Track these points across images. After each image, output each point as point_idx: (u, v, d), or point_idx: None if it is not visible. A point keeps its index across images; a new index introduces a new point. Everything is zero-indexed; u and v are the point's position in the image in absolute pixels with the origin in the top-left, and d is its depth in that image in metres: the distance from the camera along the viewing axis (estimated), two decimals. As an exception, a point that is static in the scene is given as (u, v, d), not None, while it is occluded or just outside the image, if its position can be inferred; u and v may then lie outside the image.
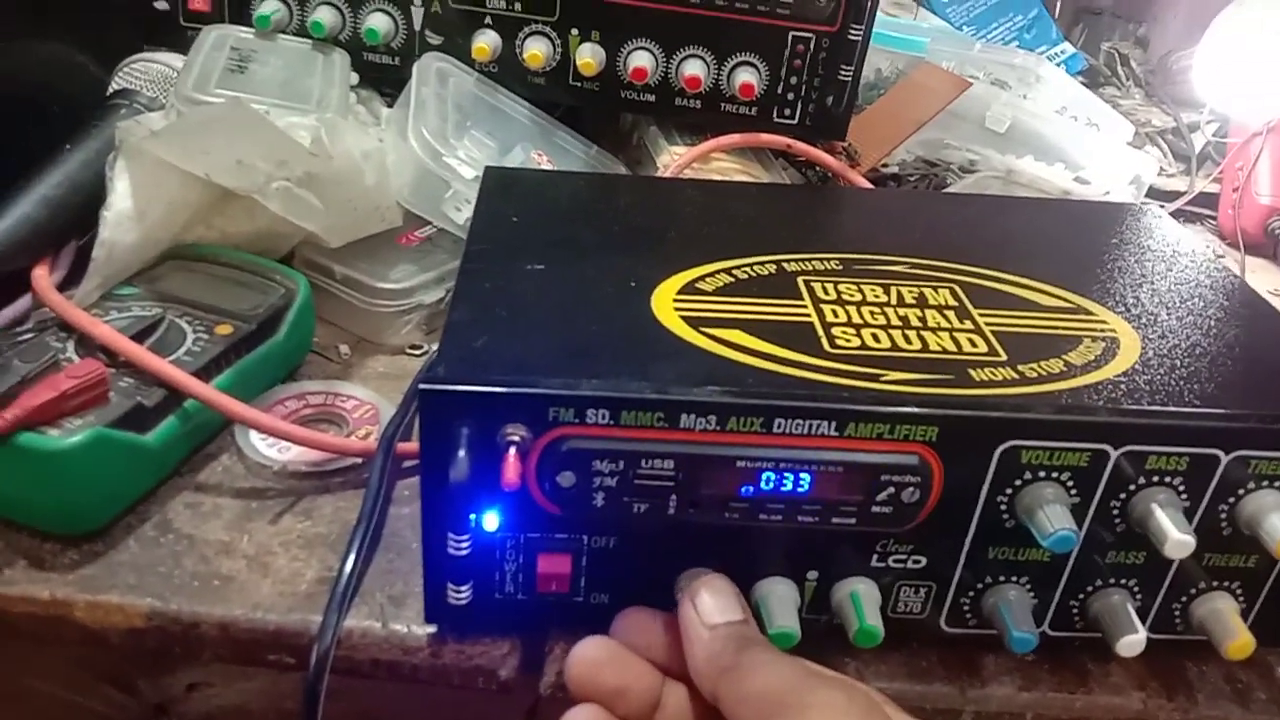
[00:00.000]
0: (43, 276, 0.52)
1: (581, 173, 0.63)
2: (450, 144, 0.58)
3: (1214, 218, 0.85)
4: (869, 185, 0.67)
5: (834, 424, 0.36)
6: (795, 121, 0.67)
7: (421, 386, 0.35)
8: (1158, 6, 1.15)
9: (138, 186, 0.51)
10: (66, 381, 0.43)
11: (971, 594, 0.40)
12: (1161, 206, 0.83)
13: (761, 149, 0.68)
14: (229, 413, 0.47)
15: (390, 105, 0.63)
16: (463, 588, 0.37)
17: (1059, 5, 1.13)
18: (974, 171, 0.76)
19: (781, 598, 0.38)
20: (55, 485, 0.42)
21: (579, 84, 0.66)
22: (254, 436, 0.49)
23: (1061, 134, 0.75)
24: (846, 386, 0.37)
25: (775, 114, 0.66)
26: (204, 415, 0.48)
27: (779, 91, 0.66)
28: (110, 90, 0.61)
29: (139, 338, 0.48)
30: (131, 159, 0.51)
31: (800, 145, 0.66)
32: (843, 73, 0.64)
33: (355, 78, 0.63)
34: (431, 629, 0.41)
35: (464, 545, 0.35)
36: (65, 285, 0.53)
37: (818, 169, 0.71)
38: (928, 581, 0.40)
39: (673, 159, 0.66)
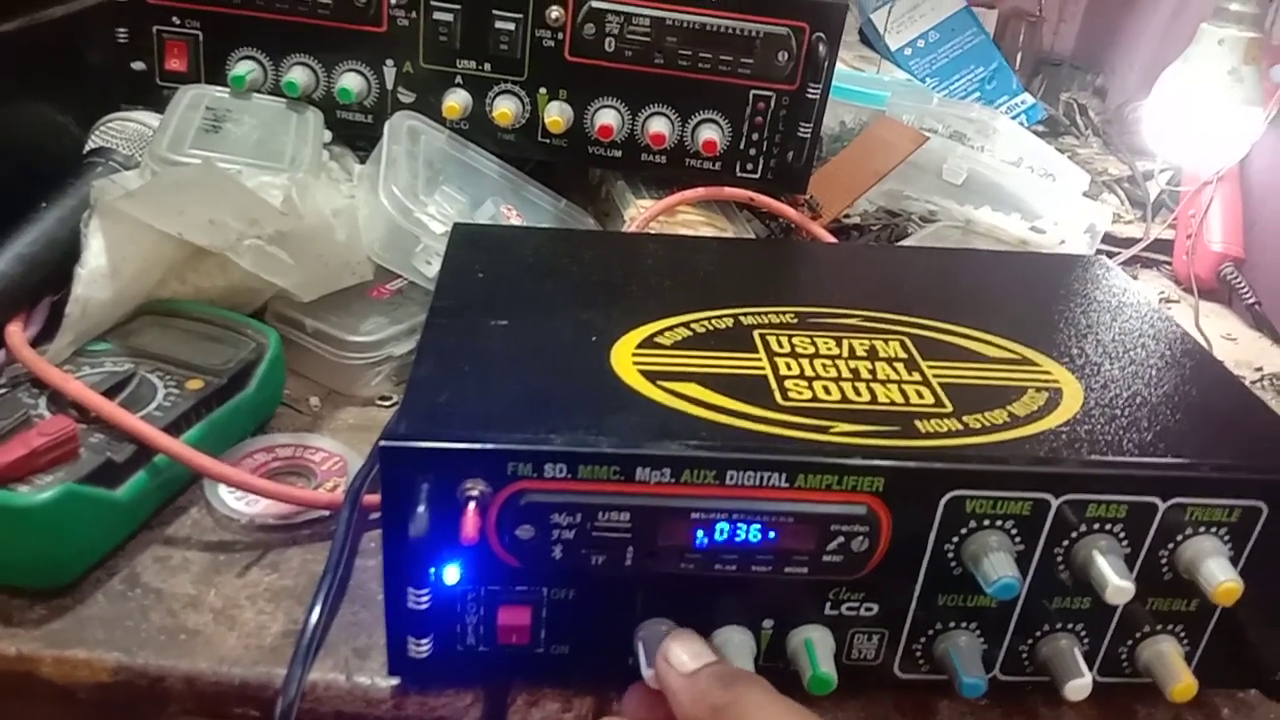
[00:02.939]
0: (16, 333, 0.52)
1: (547, 229, 0.65)
2: (420, 200, 0.60)
3: (1169, 263, 0.88)
4: (830, 236, 0.69)
5: (784, 475, 0.37)
6: (758, 175, 0.68)
7: (382, 443, 0.36)
8: (1115, 58, 1.18)
9: (112, 244, 0.52)
10: (37, 439, 0.44)
11: (923, 640, 0.41)
12: (1114, 255, 0.85)
13: (726, 201, 0.70)
14: (198, 467, 0.47)
15: (363, 161, 0.65)
16: (423, 640, 0.37)
17: (1019, 57, 1.17)
18: (934, 221, 0.78)
19: (739, 646, 0.39)
20: (25, 540, 0.43)
21: (548, 140, 0.67)
22: (223, 490, 0.50)
23: (1018, 184, 0.78)
24: (797, 439, 0.38)
25: (738, 168, 0.68)
26: (174, 469, 0.48)
27: (741, 147, 0.68)
28: (87, 148, 0.62)
29: (111, 393, 0.49)
30: (106, 218, 0.52)
31: (761, 198, 0.68)
32: (802, 129, 0.67)
33: (328, 135, 0.65)
34: (395, 681, 0.41)
35: (424, 599, 0.36)
36: (39, 340, 0.54)
37: (781, 220, 0.73)
38: (880, 628, 0.41)
39: (639, 211, 0.67)
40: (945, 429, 0.40)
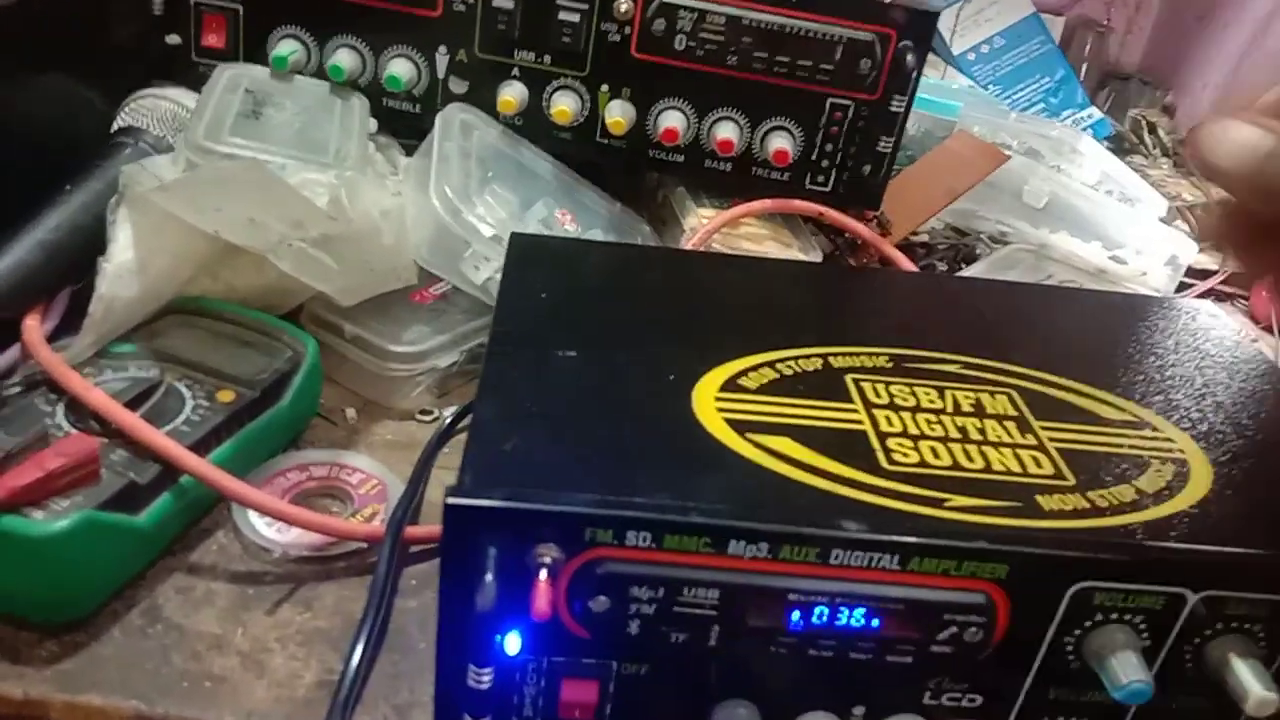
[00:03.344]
0: (34, 328, 0.48)
1: (611, 243, 0.61)
2: (471, 201, 0.56)
3: (1245, 298, 0.83)
4: (908, 261, 0.65)
5: (897, 557, 0.33)
6: (829, 189, 0.64)
7: (449, 501, 0.32)
8: (1186, 75, 1.13)
9: (141, 238, 0.48)
10: (54, 460, 0.40)
11: (1026, 734, 0.37)
12: (1188, 287, 0.81)
13: (791, 214, 0.66)
14: (229, 493, 0.43)
15: (408, 154, 0.60)
16: (482, 721, 0.33)
17: (1084, 68, 1.11)
18: (1005, 243, 0.74)
19: (825, 736, 0.35)
20: (39, 572, 0.39)
21: (606, 141, 0.63)
22: (253, 515, 0.46)
23: (1098, 210, 0.73)
24: (909, 514, 0.34)
25: (808, 180, 0.64)
26: (200, 490, 0.44)
27: (813, 158, 0.63)
28: (115, 127, 0.57)
29: (135, 403, 0.45)
30: (135, 209, 0.48)
31: (832, 213, 0.64)
32: (882, 143, 0.62)
33: (374, 125, 0.60)
34: (440, 749, 0.37)
35: (487, 679, 0.32)
36: (58, 334, 0.50)
37: (846, 236, 0.69)
38: (982, 721, 0.37)
39: (700, 222, 0.63)
40: (1070, 507, 0.36)
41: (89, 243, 0.50)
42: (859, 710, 0.36)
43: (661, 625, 0.33)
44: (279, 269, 0.50)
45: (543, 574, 0.32)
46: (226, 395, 0.48)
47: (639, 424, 0.37)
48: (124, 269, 0.48)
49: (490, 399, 0.37)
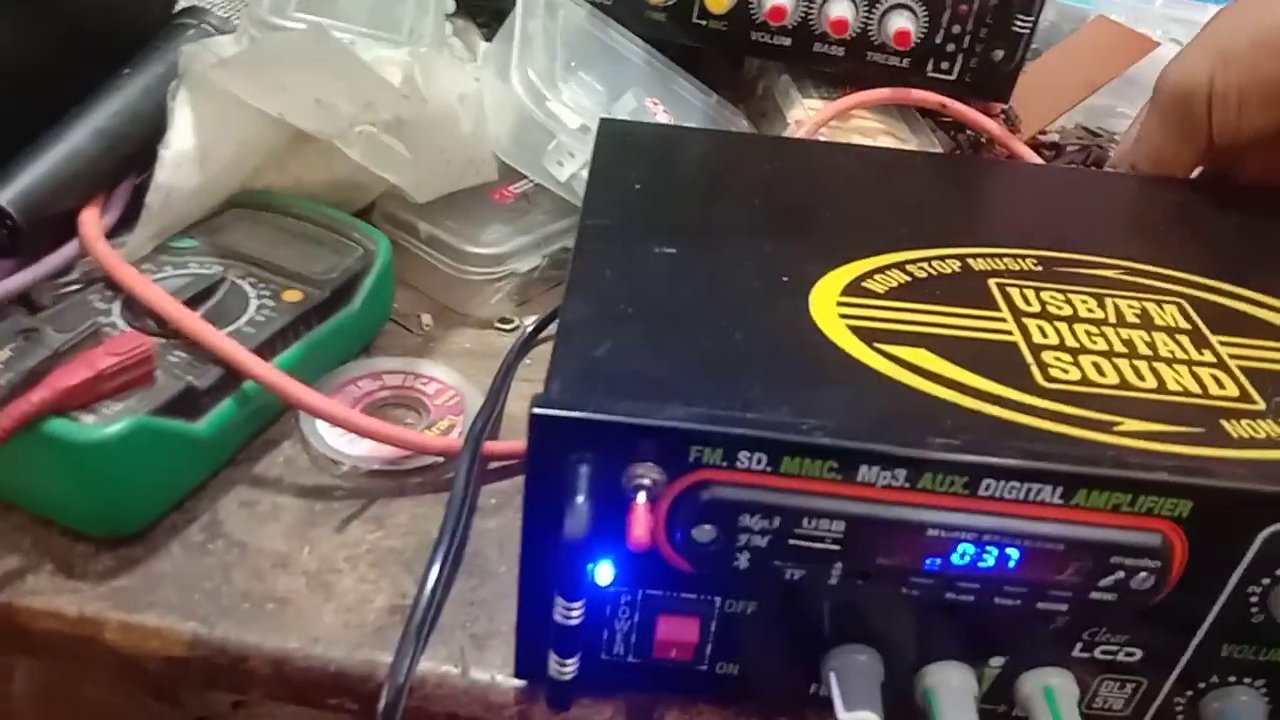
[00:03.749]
0: (92, 221, 0.45)
1: (711, 130, 0.55)
2: (556, 88, 0.50)
3: None
4: (1037, 158, 0.58)
5: (1060, 489, 0.28)
6: (953, 77, 0.57)
7: (535, 411, 0.27)
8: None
9: (202, 123, 0.44)
10: (105, 359, 0.36)
11: (1189, 694, 0.32)
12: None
13: (908, 107, 0.59)
14: (296, 401, 0.40)
15: (488, 38, 0.55)
16: (569, 660, 0.30)
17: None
18: (1144, 143, 0.65)
19: (956, 690, 0.31)
20: (90, 481, 0.36)
21: (704, 22, 0.57)
22: (321, 425, 0.43)
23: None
24: (1074, 439, 0.29)
25: (930, 67, 0.57)
26: (266, 398, 0.41)
27: (937, 41, 0.56)
28: (178, 6, 0.53)
29: (195, 301, 0.42)
30: (196, 90, 0.44)
31: (957, 105, 0.57)
32: (1019, 23, 0.55)
33: (451, 4, 0.55)
34: (521, 683, 0.34)
35: (576, 613, 0.28)
36: (118, 230, 0.47)
37: (969, 133, 0.62)
38: (1139, 677, 0.32)
39: (806, 114, 0.57)
40: (1262, 434, 0.30)
41: (150, 130, 0.46)
42: (996, 661, 0.31)
43: (775, 560, 0.29)
44: (349, 161, 0.46)
45: (641, 497, 0.28)
46: (293, 295, 0.44)
47: (749, 330, 0.32)
48: (184, 157, 0.44)
49: (580, 299, 0.33)
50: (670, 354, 0.31)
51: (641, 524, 0.27)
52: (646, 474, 0.28)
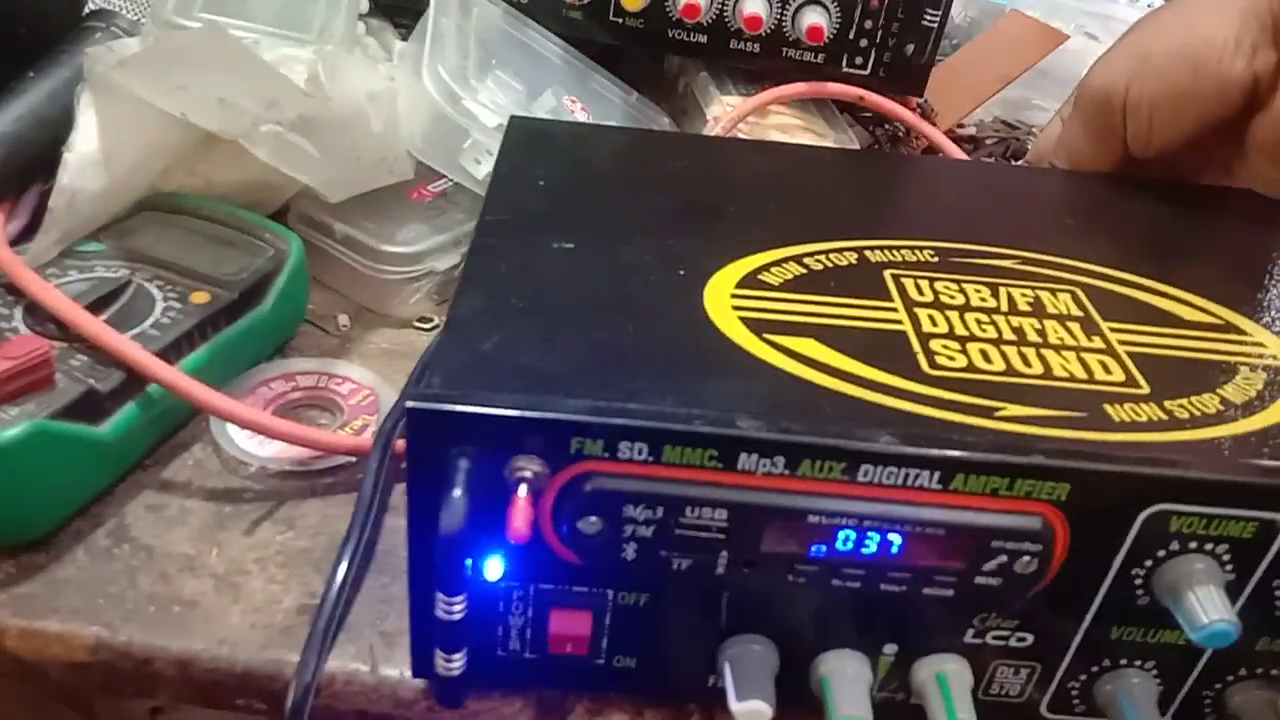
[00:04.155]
0: (-5, 227, 0.44)
1: (623, 128, 0.55)
2: (471, 86, 0.50)
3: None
4: (959, 151, 0.58)
5: (938, 474, 0.28)
6: (867, 72, 0.57)
7: (410, 404, 0.27)
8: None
9: (106, 125, 0.44)
10: (1, 363, 0.36)
11: (1083, 677, 0.33)
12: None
13: (825, 101, 0.60)
14: (199, 402, 0.39)
15: (404, 38, 0.55)
16: (455, 656, 0.29)
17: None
18: (1065, 136, 0.66)
19: (851, 678, 0.31)
20: (-14, 486, 0.35)
21: (620, 20, 0.57)
22: (231, 427, 0.42)
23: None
24: (954, 424, 0.29)
25: (844, 62, 0.57)
26: (172, 401, 0.40)
27: (850, 36, 0.56)
28: (87, 9, 0.53)
29: (99, 305, 0.41)
30: (99, 92, 0.44)
31: (875, 98, 0.57)
32: (928, 17, 0.55)
33: (365, 4, 0.55)
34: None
35: (456, 609, 0.28)
36: (25, 236, 0.46)
37: (887, 127, 0.63)
38: (1032, 662, 0.32)
39: (725, 110, 0.57)
40: (1144, 418, 0.30)
41: (57, 135, 0.45)
42: (890, 649, 0.32)
43: (661, 550, 0.29)
44: (259, 162, 0.46)
45: (521, 490, 0.28)
46: (201, 297, 0.43)
47: (641, 323, 0.32)
48: (88, 159, 0.44)
49: (471, 293, 0.33)
50: (559, 348, 0.31)
51: (521, 516, 0.27)
52: (528, 466, 0.28)
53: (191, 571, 0.38)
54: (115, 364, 0.39)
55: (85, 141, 0.44)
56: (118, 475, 0.40)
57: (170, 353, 0.41)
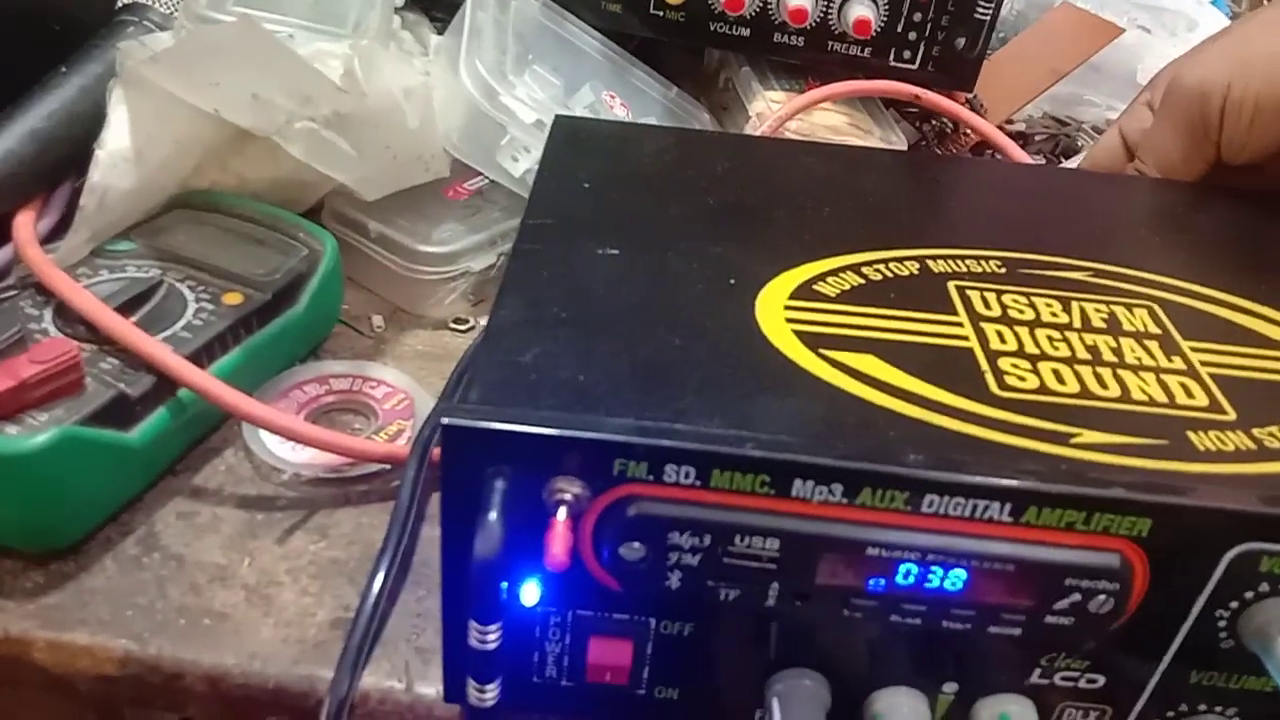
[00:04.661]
0: (26, 225, 0.44)
1: (668, 127, 0.53)
2: (509, 81, 0.49)
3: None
4: (1015, 147, 0.55)
5: (1008, 506, 0.26)
6: (915, 66, 0.55)
7: (444, 421, 0.26)
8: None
9: (138, 121, 0.43)
10: (30, 367, 0.35)
11: None
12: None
13: (870, 98, 0.57)
14: (230, 408, 0.38)
15: (441, 33, 0.53)
16: (488, 687, 0.28)
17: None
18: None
19: (907, 716, 0.29)
20: (15, 494, 0.34)
21: (661, 14, 0.55)
22: (264, 432, 0.41)
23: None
24: (1026, 451, 0.27)
25: (891, 56, 0.55)
26: (203, 405, 0.39)
27: (898, 29, 0.54)
28: (120, 3, 0.52)
29: (129, 306, 0.40)
30: (130, 88, 0.43)
31: (931, 96, 0.55)
32: (980, 10, 0.53)
33: (400, -2, 0.54)
34: (459, 704, 0.32)
35: (491, 638, 0.27)
36: (56, 234, 0.45)
37: (934, 123, 0.60)
38: (1102, 705, 0.30)
39: (768, 106, 0.55)
40: (1231, 447, 0.28)
41: (88, 131, 0.45)
42: (950, 688, 0.30)
43: (709, 579, 0.27)
44: (293, 159, 0.44)
45: (561, 514, 0.26)
46: (234, 298, 0.42)
47: (689, 335, 0.31)
48: (119, 157, 0.43)
49: (511, 301, 0.31)
50: (602, 361, 0.29)
51: (560, 542, 0.26)
52: (568, 488, 0.26)
53: (222, 582, 0.36)
54: (144, 367, 0.38)
55: (116, 138, 0.43)
56: (148, 482, 0.39)
57: (202, 355, 0.40)
